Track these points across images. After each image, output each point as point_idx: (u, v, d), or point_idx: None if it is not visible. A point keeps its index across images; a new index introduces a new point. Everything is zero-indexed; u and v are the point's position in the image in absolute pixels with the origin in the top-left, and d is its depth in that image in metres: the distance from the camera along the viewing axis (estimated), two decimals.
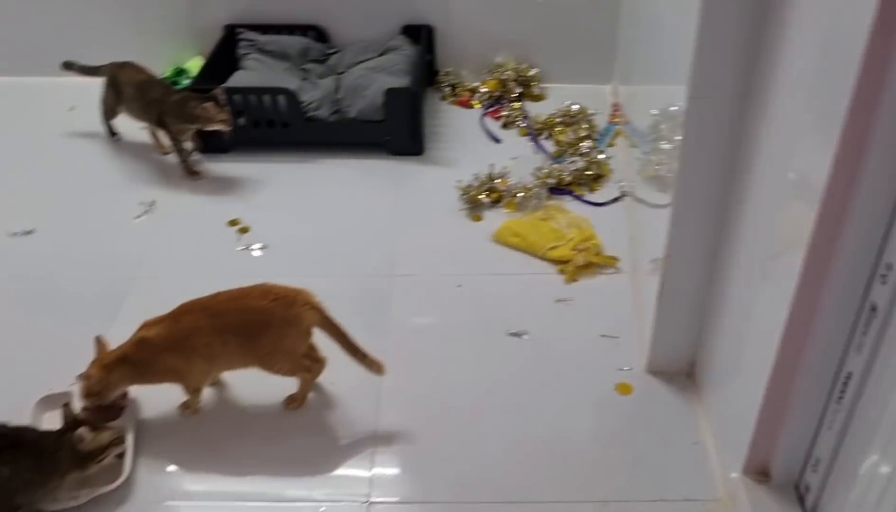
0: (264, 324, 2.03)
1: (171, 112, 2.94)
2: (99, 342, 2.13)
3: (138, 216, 2.89)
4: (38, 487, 1.88)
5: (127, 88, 3.04)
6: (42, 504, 1.94)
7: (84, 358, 2.26)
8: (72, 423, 1.95)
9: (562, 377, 2.28)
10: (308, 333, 2.09)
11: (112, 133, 3.24)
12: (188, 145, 3.07)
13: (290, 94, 3.00)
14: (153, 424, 2.18)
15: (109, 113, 3.18)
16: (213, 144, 3.12)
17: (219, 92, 2.88)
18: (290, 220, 2.86)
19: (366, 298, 2.54)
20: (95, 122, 3.34)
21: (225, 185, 3.03)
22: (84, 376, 2.04)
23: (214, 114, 2.87)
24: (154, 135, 3.18)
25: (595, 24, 3.36)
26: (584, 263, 2.59)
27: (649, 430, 2.15)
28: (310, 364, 2.16)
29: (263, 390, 2.24)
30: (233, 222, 2.85)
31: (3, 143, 3.29)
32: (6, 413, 2.11)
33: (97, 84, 3.14)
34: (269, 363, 2.10)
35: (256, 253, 2.72)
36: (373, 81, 3.10)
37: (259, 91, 3.02)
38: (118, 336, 2.17)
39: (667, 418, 2.17)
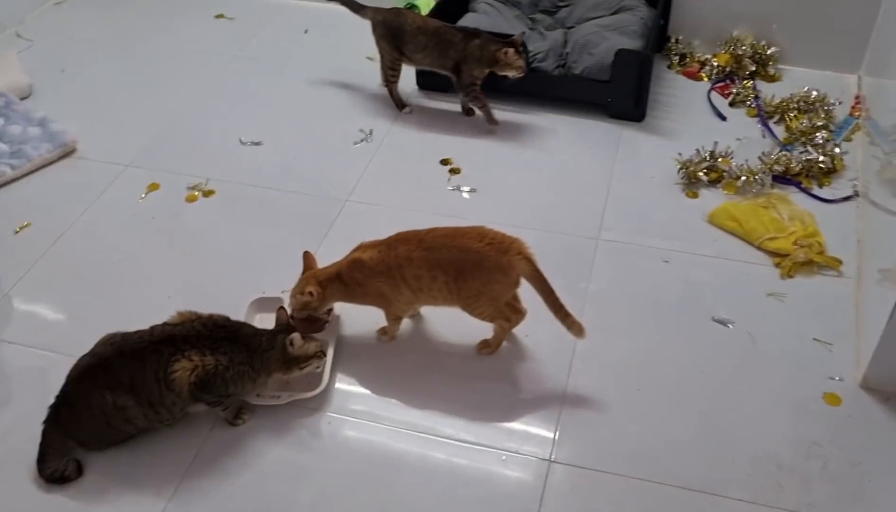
0: (475, 266, 2.04)
1: (471, 57, 2.87)
2: (307, 257, 2.22)
3: (356, 142, 2.98)
4: (249, 381, 2.00)
5: (417, 36, 2.91)
6: (249, 397, 2.07)
7: (293, 269, 2.39)
8: (284, 327, 2.06)
9: (765, 374, 2.17)
10: (516, 283, 2.09)
11: (403, 104, 3.09)
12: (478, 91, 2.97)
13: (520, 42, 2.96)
14: (351, 342, 2.27)
15: (392, 72, 3.03)
16: (430, 83, 3.16)
17: (518, 38, 2.85)
18: (501, 167, 2.86)
19: (568, 257, 2.50)
20: (326, 46, 3.47)
21: (441, 124, 3.07)
22: (301, 291, 2.13)
23: (514, 60, 2.83)
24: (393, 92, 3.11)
25: (850, 6, 3.10)
26: (805, 260, 2.43)
27: (856, 448, 2.00)
28: (510, 314, 2.17)
29: (458, 330, 2.27)
30: (445, 161, 2.88)
31: (237, 59, 3.48)
32: (224, 308, 2.27)
33: (335, 11, 3.24)
34: (472, 306, 2.12)
35: (465, 195, 2.74)
36: (603, 40, 3.02)
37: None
38: (324, 255, 2.28)
39: (877, 440, 2.02)
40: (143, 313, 2.18)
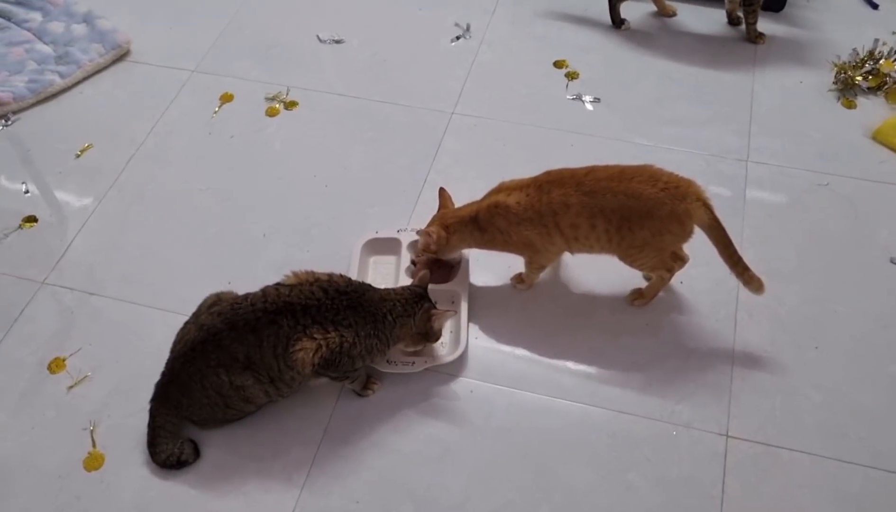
0: (646, 215, 1.73)
1: None
2: (443, 195, 1.92)
3: (453, 40, 2.59)
4: (378, 353, 1.73)
5: None
6: (379, 365, 1.81)
7: (403, 199, 2.09)
8: (419, 291, 1.77)
9: None
10: (691, 233, 1.78)
11: (621, 21, 2.61)
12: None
13: None
14: (483, 292, 1.98)
15: None
16: None
17: None
18: (625, 72, 2.48)
19: (714, 180, 2.18)
20: None
21: (548, 18, 2.65)
22: (426, 232, 1.85)
23: None
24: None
25: None
26: None
27: None
28: (672, 263, 1.87)
29: (605, 278, 1.99)
30: (559, 64, 2.50)
31: None
32: (331, 250, 1.98)
33: None
34: (634, 257, 1.82)
35: (588, 106, 2.38)
36: None
37: None
38: (436, 181, 2.04)
39: None
40: (239, 258, 1.93)
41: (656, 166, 1.77)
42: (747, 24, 2.50)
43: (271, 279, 1.73)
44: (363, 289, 1.73)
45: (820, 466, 1.70)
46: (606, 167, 1.78)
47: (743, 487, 1.67)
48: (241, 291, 1.74)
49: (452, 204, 1.91)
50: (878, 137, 2.26)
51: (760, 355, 1.86)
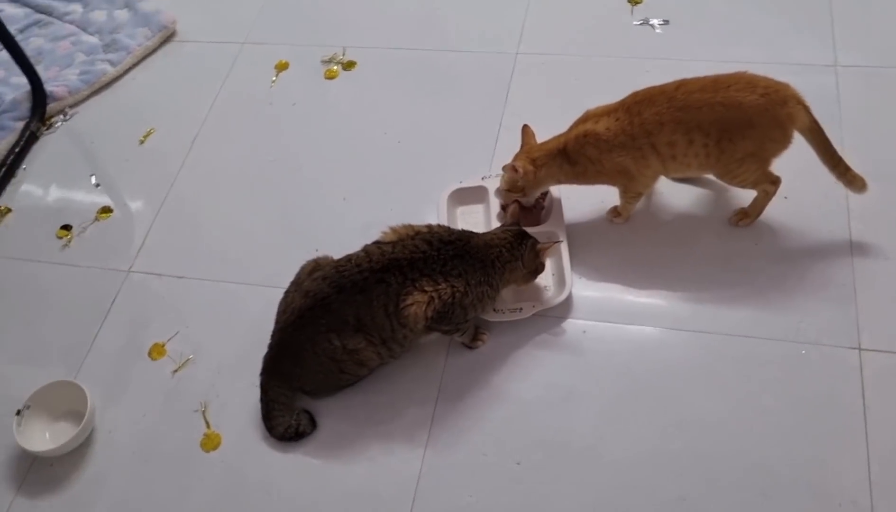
0: (748, 124, 1.64)
1: None
2: (526, 131, 1.84)
3: None
4: (489, 300, 1.67)
5: None
6: (486, 315, 1.74)
7: (481, 147, 2.02)
8: (514, 228, 1.70)
9: None
10: (792, 139, 1.69)
11: None
12: None
13: None
14: (579, 230, 1.91)
15: None
16: None
17: None
18: None
19: (806, 90, 2.05)
20: None
21: None
22: (511, 167, 1.77)
23: None
24: None
25: None
26: None
27: None
28: (775, 175, 1.78)
29: (703, 201, 1.91)
30: None
31: None
32: (417, 205, 1.92)
33: None
34: (734, 172, 1.73)
35: (658, 30, 2.28)
36: None
37: None
38: (513, 121, 1.97)
39: None
40: (322, 224, 1.88)
41: (749, 72, 1.68)
42: None
43: (358, 242, 1.67)
44: (467, 236, 1.67)
45: None
46: (697, 79, 1.69)
47: (885, 400, 1.60)
48: (334, 257, 1.69)
49: (536, 141, 1.82)
50: None
51: (882, 263, 1.77)
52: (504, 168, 1.81)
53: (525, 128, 1.85)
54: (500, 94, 2.19)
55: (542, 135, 1.84)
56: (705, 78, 1.68)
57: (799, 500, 1.50)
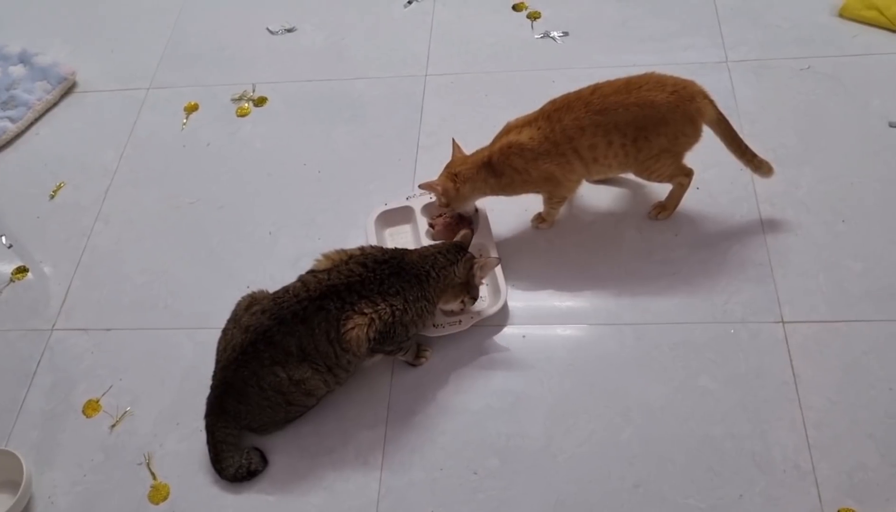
0: (661, 121, 1.72)
1: None
2: (454, 145, 1.86)
3: (406, 4, 2.53)
4: (428, 315, 1.69)
5: None
6: (427, 332, 1.76)
7: (402, 167, 2.04)
8: (456, 245, 1.73)
9: None
10: (701, 132, 1.78)
11: None
12: None
13: None
14: (507, 240, 1.95)
15: None
16: None
17: None
18: (583, 3, 2.45)
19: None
20: None
21: None
22: (435, 185, 1.80)
23: None
24: None
25: None
26: None
27: None
28: (688, 167, 1.87)
29: (622, 200, 1.98)
30: (518, 7, 2.47)
31: None
32: (344, 231, 1.93)
33: None
34: (651, 168, 1.81)
35: (559, 41, 2.36)
36: None
37: None
38: (430, 141, 2.06)
39: None
40: (250, 261, 1.88)
41: (657, 72, 1.76)
42: None
43: (290, 275, 1.67)
44: (401, 253, 1.68)
45: (879, 330, 1.72)
46: (610, 82, 1.76)
47: (812, 367, 1.68)
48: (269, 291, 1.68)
49: (462, 153, 1.86)
50: (845, 14, 2.29)
51: (792, 240, 1.87)
52: (421, 186, 1.83)
53: (454, 142, 1.87)
54: (414, 115, 2.22)
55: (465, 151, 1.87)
56: (618, 81, 1.76)
57: (746, 471, 1.56)
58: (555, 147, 1.75)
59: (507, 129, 1.81)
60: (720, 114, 1.77)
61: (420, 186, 1.84)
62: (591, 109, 1.72)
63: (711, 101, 1.75)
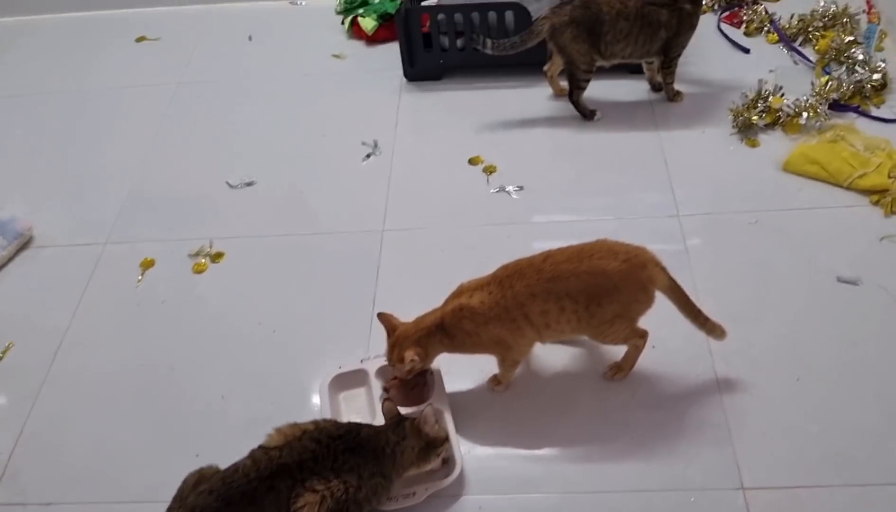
0: (613, 289, 1.73)
1: (686, 24, 2.46)
2: (385, 319, 1.84)
3: (364, 159, 2.58)
4: (384, 491, 1.64)
5: (618, 24, 2.41)
6: (382, 505, 1.70)
7: (358, 326, 2.03)
8: (397, 416, 1.70)
9: None
10: (654, 298, 1.79)
11: (592, 112, 2.59)
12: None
13: (521, 9, 2.62)
14: (463, 402, 1.92)
15: (587, 76, 2.50)
16: (421, 71, 2.78)
17: None
18: (540, 155, 2.53)
19: (654, 240, 2.19)
20: (279, 51, 3.05)
21: (450, 118, 2.70)
22: (400, 358, 1.78)
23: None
24: (554, 79, 2.65)
25: None
26: None
27: None
28: (643, 330, 1.87)
29: (579, 361, 1.97)
30: (473, 161, 2.52)
31: (182, 85, 2.98)
32: (298, 396, 1.89)
33: (277, 10, 2.82)
34: (606, 332, 1.81)
35: (514, 195, 2.40)
36: None
37: (485, 7, 2.64)
38: (386, 301, 2.04)
39: None
40: (201, 427, 1.83)
41: (609, 239, 1.79)
42: (665, 84, 2.61)
43: (242, 442, 1.63)
44: (357, 427, 1.65)
45: (841, 496, 1.69)
46: (562, 250, 1.78)
47: None
48: (220, 463, 1.62)
49: (398, 320, 1.84)
50: (788, 168, 2.37)
51: (748, 400, 1.86)
52: (392, 362, 1.81)
53: (380, 316, 1.84)
54: (370, 272, 2.23)
55: (413, 310, 1.86)
56: (569, 249, 1.78)
57: None
58: (506, 312, 1.75)
59: (460, 291, 1.81)
60: (672, 280, 1.79)
61: (389, 362, 1.82)
62: (542, 276, 1.74)
63: (663, 269, 1.78)
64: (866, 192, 2.28)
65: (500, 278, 1.78)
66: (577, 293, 1.74)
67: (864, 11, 2.85)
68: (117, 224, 2.47)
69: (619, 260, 1.73)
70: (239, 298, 2.22)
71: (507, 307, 1.75)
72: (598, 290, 1.73)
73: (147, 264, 2.33)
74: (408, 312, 1.84)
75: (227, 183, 2.55)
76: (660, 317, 1.85)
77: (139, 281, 2.29)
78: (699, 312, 1.83)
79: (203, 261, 2.32)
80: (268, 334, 2.12)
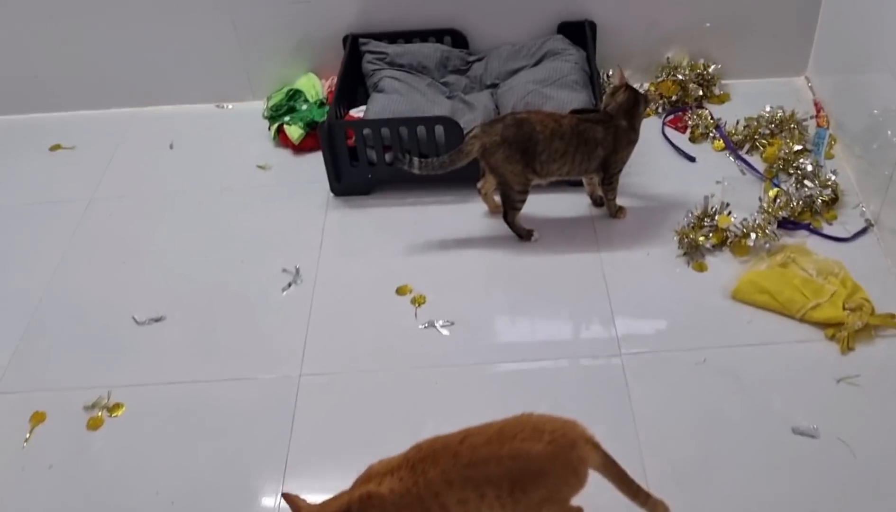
0: (539, 473, 1.54)
1: (623, 141, 2.33)
2: (291, 500, 1.63)
3: (285, 288, 2.38)
4: None
5: (553, 143, 2.26)
6: None
7: (266, 489, 1.88)
8: None
9: (887, 491, 1.79)
10: (587, 478, 1.60)
11: (529, 232, 2.43)
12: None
13: (452, 123, 2.46)
14: None
15: (523, 197, 2.35)
16: (348, 186, 2.61)
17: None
18: (469, 286, 2.33)
19: (594, 384, 2.05)
20: (202, 161, 2.87)
21: (377, 241, 2.51)
22: None
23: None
24: (489, 197, 2.49)
25: (786, 5, 2.81)
26: (861, 327, 2.08)
27: None
28: (576, 507, 1.68)
29: None
30: (401, 290, 2.33)
31: (95, 201, 2.78)
32: None
33: (203, 113, 2.65)
34: None
35: (444, 332, 2.21)
36: (546, 99, 2.57)
37: (413, 121, 2.48)
38: (300, 458, 1.89)
39: None
40: None
41: (534, 414, 1.60)
42: (607, 200, 2.45)
43: None
44: None
45: None
46: (481, 429, 1.59)
47: None
48: None
49: (303, 502, 1.62)
50: (737, 297, 2.21)
51: None
52: None
53: (286, 496, 1.62)
54: (285, 426, 2.02)
55: (330, 473, 1.66)
56: (490, 427, 1.58)
57: None
58: (419, 502, 1.54)
59: (369, 475, 1.61)
60: (607, 457, 1.60)
61: None
62: (459, 462, 1.54)
63: (595, 445, 1.59)
64: (820, 324, 2.11)
65: (413, 462, 1.57)
66: (500, 479, 1.54)
67: (811, 117, 2.73)
68: (10, 368, 2.24)
69: (544, 441, 1.54)
70: (136, 459, 1.99)
71: (420, 496, 1.55)
72: (522, 475, 1.54)
73: (38, 418, 2.10)
74: (322, 479, 1.71)
75: (134, 318, 2.33)
76: (600, 482, 1.66)
77: (26, 440, 2.06)
78: (639, 489, 1.64)
79: (99, 414, 2.09)
80: (165, 507, 1.89)
